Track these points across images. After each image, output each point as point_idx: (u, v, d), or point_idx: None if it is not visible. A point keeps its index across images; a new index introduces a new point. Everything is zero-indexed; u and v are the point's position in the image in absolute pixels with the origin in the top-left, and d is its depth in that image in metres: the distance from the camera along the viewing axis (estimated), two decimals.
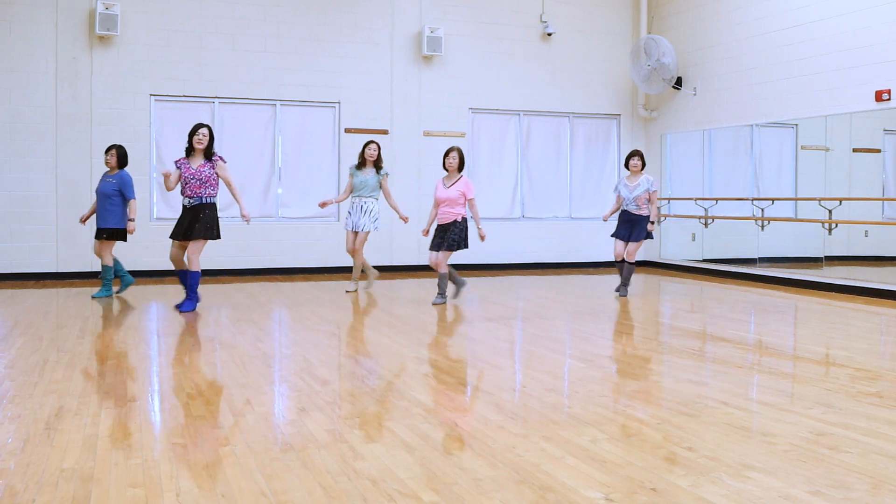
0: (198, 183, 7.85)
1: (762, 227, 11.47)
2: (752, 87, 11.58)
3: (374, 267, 10.28)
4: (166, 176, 7.86)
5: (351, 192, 9.63)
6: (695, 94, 12.64)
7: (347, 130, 12.15)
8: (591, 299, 9.68)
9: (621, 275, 9.58)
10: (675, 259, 13.13)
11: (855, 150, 11.01)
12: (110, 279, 9.06)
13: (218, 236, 8.01)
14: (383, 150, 10.48)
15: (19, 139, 10.80)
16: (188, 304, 8.04)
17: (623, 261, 9.52)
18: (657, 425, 4.12)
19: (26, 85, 10.79)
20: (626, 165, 9.63)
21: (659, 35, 12.92)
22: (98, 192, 9.03)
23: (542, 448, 3.72)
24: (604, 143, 13.74)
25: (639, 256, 12.48)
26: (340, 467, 3.44)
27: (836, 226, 10.46)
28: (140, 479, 3.29)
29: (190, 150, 7.94)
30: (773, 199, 11.58)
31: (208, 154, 7.95)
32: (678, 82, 12.85)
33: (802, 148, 11.60)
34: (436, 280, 9.90)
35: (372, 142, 9.61)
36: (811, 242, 10.96)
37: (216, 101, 11.62)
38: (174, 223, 8.14)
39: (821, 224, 10.55)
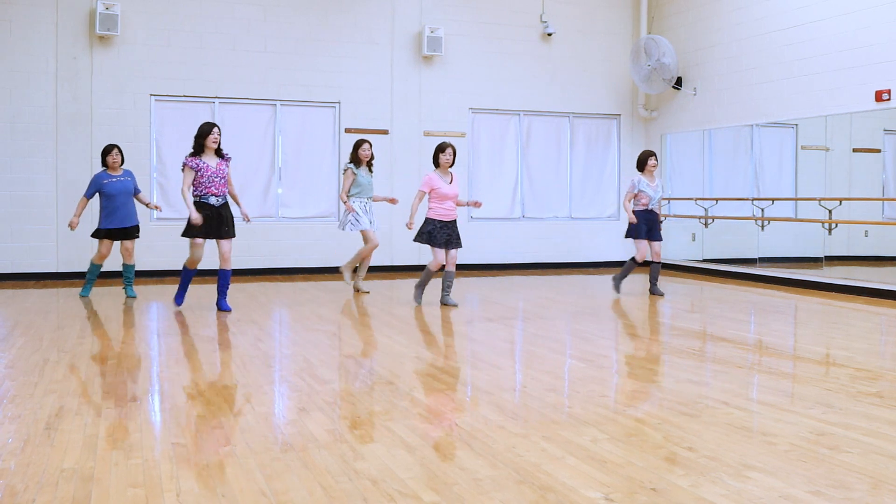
0: (222, 181, 7.94)
1: (762, 227, 11.47)
2: (752, 87, 11.57)
3: (374, 267, 10.30)
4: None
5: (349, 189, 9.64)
6: (695, 94, 12.63)
7: (348, 130, 12.14)
8: (591, 299, 9.68)
9: (651, 274, 9.80)
10: (675, 259, 13.13)
11: (855, 150, 11.02)
12: (93, 280, 9.17)
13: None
14: (384, 150, 10.48)
15: (19, 139, 10.80)
16: (225, 303, 8.16)
17: (649, 261, 9.78)
18: (657, 425, 4.13)
19: (26, 85, 10.79)
20: (643, 166, 9.62)
21: (659, 35, 12.92)
22: (116, 192, 8.86)
23: (543, 448, 3.72)
24: (604, 143, 13.74)
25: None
26: (341, 467, 3.44)
27: (836, 226, 10.46)
28: (140, 479, 3.29)
29: (200, 150, 7.95)
30: (773, 199, 11.58)
31: (219, 153, 8.01)
32: (678, 82, 12.85)
33: (802, 148, 11.60)
34: (439, 280, 9.82)
35: (366, 141, 9.60)
36: (811, 242, 10.96)
37: (216, 101, 11.62)
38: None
39: (821, 224, 10.55)
